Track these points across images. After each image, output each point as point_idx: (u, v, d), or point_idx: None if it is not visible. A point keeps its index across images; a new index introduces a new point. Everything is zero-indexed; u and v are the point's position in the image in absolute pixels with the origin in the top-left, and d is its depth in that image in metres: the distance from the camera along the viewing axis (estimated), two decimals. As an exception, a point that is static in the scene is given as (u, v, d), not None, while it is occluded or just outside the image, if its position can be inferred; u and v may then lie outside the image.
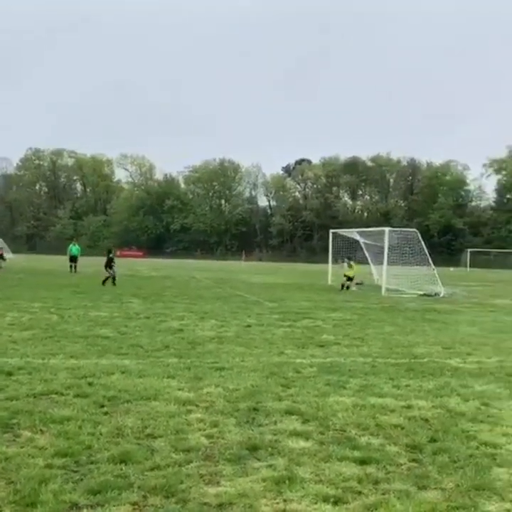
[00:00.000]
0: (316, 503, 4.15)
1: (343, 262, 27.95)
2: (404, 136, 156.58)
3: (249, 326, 13.20)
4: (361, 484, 4.48)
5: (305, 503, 4.16)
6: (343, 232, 33.43)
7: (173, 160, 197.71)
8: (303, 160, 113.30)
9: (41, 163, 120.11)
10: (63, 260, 39.87)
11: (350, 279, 26.09)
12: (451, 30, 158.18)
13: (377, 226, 31.50)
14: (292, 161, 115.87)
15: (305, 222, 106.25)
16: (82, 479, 4.43)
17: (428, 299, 22.71)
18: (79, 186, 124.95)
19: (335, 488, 4.38)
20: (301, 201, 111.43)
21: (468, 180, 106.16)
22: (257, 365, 8.80)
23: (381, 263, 25.85)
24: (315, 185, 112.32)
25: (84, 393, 6.79)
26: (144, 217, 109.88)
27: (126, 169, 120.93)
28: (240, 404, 6.56)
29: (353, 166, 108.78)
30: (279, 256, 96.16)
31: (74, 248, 36.80)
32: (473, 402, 6.96)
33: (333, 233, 32.70)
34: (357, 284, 26.82)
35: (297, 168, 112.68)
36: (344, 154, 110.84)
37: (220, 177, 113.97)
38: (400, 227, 33.89)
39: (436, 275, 25.42)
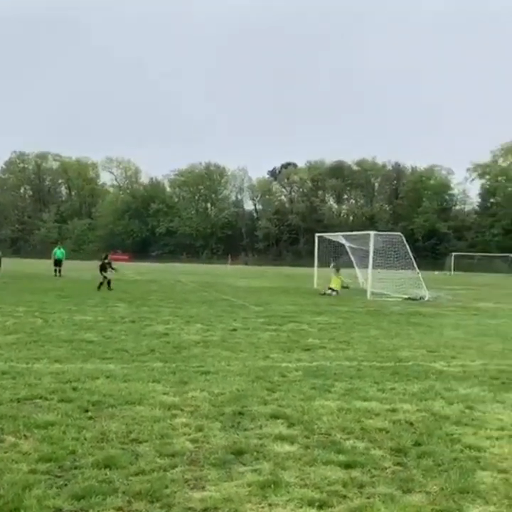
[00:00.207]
0: (301, 507, 4.15)
1: (333, 266, 27.85)
2: (390, 141, 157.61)
3: (234, 329, 13.19)
4: (346, 488, 4.49)
5: (290, 507, 4.16)
6: (329, 235, 33.55)
7: (159, 164, 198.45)
8: (289, 164, 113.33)
9: (26, 166, 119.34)
10: (48, 264, 39.59)
11: (331, 289, 25.95)
12: (437, 33, 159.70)
13: (362, 230, 31.52)
14: (278, 165, 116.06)
15: (291, 225, 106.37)
16: (66, 484, 4.40)
17: (413, 303, 22.81)
18: (64, 190, 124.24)
19: (320, 492, 4.39)
20: (287, 205, 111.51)
21: (452, 185, 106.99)
22: (242, 369, 8.79)
23: (366, 267, 25.91)
24: (301, 189, 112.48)
25: (69, 398, 6.74)
26: (130, 221, 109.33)
27: (111, 172, 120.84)
28: (225, 408, 6.55)
29: (338, 170, 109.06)
30: (264, 259, 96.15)
31: (59, 252, 36.63)
32: (458, 406, 7.00)
33: (318, 237, 32.83)
34: (330, 289, 26.33)
35: (283, 172, 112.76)
36: (330, 158, 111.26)
37: (206, 181, 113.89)
38: (385, 231, 33.93)
39: (421, 279, 25.53)
